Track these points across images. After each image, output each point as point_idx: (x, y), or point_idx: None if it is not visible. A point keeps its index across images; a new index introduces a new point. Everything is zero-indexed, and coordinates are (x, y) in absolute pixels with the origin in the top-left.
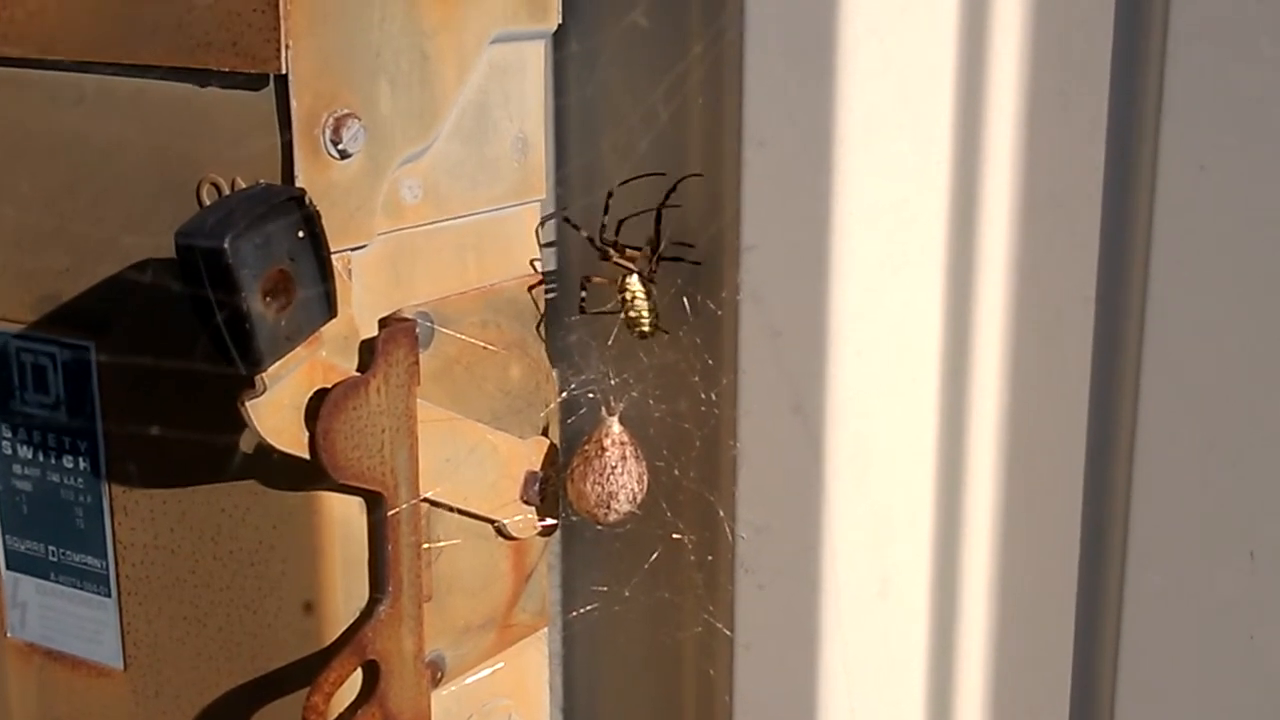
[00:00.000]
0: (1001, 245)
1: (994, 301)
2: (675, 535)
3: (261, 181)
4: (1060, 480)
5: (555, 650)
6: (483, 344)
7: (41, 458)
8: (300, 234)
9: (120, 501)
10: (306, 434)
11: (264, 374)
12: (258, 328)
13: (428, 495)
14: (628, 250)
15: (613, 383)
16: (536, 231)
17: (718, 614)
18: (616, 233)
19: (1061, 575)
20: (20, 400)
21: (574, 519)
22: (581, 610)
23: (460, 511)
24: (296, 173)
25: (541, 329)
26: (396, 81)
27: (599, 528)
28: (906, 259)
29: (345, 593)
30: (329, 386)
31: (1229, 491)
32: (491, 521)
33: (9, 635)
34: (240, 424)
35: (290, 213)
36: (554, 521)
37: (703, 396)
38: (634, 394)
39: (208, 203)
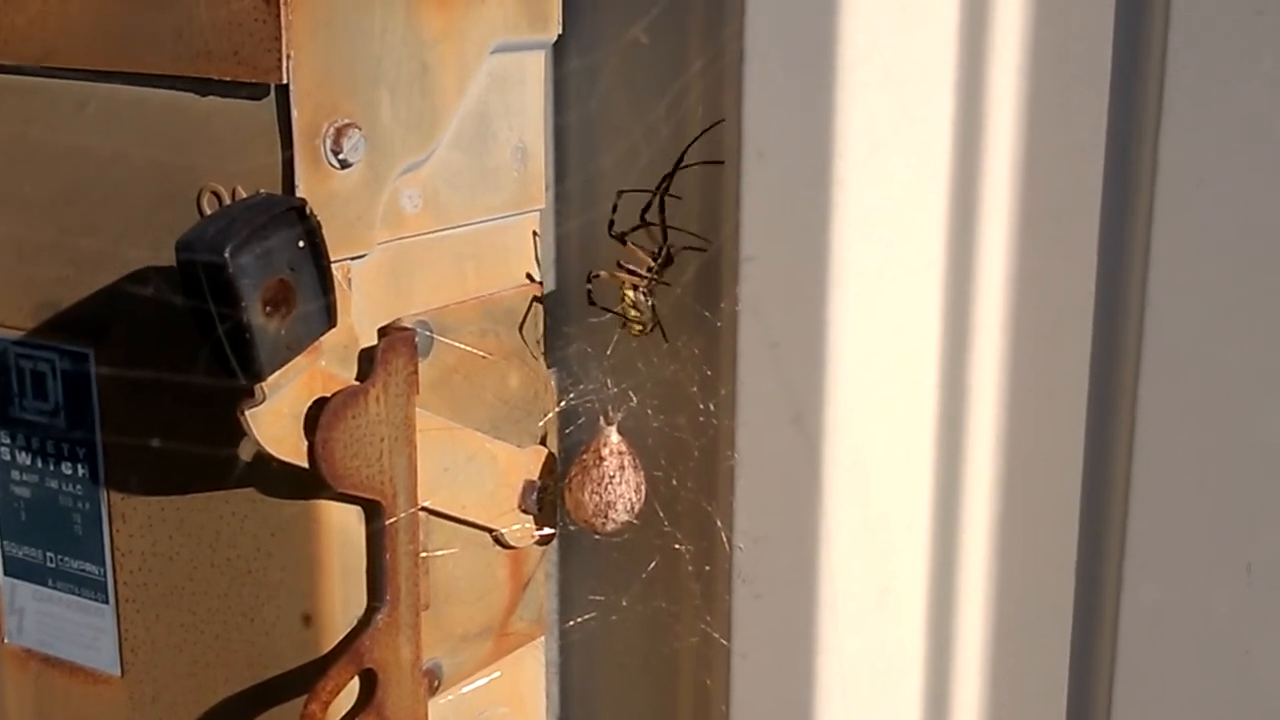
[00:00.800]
0: (1000, 257)
1: (992, 313)
2: (675, 545)
3: (262, 191)
4: (1057, 492)
5: (552, 659)
6: (481, 353)
7: (40, 464)
8: (301, 244)
9: (119, 508)
10: (305, 443)
11: (263, 383)
12: (258, 339)
13: (426, 504)
14: (635, 248)
15: (611, 392)
16: (535, 240)
17: (715, 624)
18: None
19: (1058, 587)
20: (19, 407)
21: (572, 528)
22: (579, 619)
23: (458, 520)
24: (297, 182)
25: (540, 338)
26: (397, 91)
27: (597, 537)
28: (905, 270)
29: (343, 601)
30: (328, 395)
31: (1226, 504)
32: (489, 530)
33: (6, 641)
34: (239, 432)
35: (291, 223)
36: (552, 531)
37: (701, 407)
38: (632, 404)
39: (208, 212)
